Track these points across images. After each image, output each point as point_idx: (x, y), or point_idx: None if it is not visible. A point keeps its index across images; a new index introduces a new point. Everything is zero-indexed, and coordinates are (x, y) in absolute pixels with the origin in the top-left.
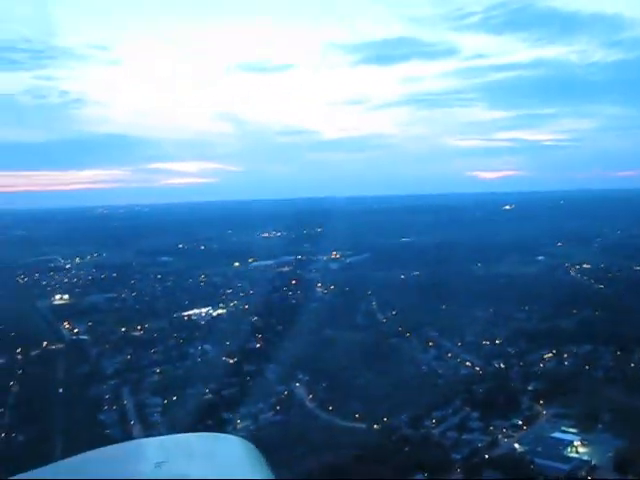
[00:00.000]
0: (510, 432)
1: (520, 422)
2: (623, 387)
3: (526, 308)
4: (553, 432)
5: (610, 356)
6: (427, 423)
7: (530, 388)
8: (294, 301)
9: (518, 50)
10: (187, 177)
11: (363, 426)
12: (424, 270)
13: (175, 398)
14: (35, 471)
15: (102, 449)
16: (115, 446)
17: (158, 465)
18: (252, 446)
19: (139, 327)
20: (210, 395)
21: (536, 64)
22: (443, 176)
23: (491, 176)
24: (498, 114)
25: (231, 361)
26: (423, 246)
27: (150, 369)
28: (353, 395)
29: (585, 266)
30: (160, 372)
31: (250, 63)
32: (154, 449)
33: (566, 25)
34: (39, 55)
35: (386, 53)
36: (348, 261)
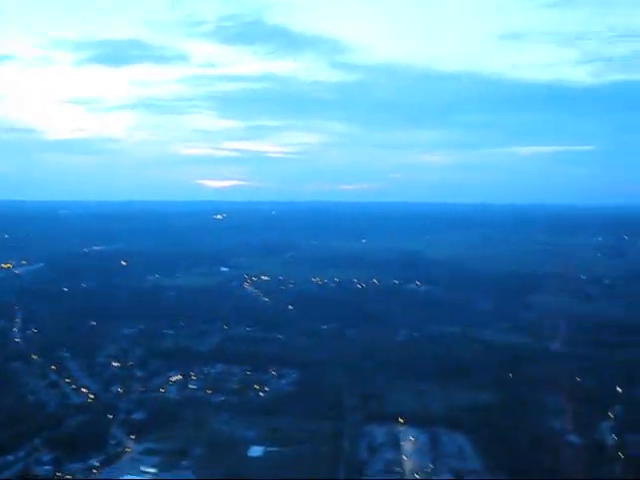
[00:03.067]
0: (80, 476)
1: (99, 463)
2: (233, 415)
3: (180, 324)
4: (128, 474)
5: (239, 378)
6: None
7: (135, 417)
8: None
9: (249, 62)
10: None
11: None
12: (93, 282)
13: None
14: None
15: None
16: None
17: None
18: None
19: None
20: None
21: (265, 77)
22: (170, 183)
23: (218, 185)
24: (227, 124)
25: None
26: (110, 255)
27: None
28: None
29: (263, 278)
30: None
31: None
32: None
33: (294, 43)
34: None
35: (116, 54)
36: (18, 271)
